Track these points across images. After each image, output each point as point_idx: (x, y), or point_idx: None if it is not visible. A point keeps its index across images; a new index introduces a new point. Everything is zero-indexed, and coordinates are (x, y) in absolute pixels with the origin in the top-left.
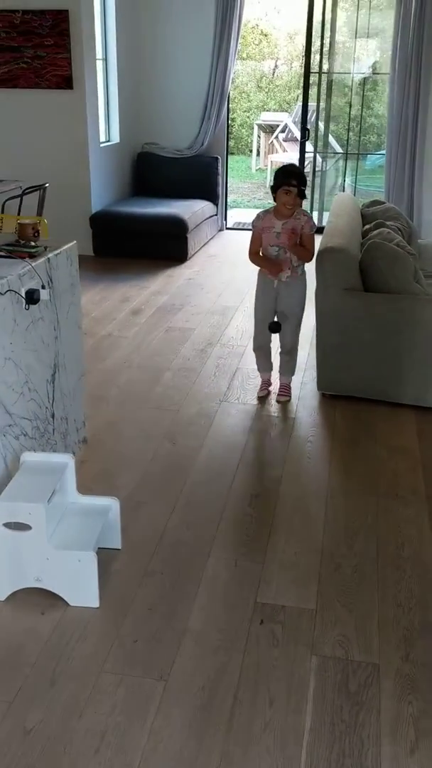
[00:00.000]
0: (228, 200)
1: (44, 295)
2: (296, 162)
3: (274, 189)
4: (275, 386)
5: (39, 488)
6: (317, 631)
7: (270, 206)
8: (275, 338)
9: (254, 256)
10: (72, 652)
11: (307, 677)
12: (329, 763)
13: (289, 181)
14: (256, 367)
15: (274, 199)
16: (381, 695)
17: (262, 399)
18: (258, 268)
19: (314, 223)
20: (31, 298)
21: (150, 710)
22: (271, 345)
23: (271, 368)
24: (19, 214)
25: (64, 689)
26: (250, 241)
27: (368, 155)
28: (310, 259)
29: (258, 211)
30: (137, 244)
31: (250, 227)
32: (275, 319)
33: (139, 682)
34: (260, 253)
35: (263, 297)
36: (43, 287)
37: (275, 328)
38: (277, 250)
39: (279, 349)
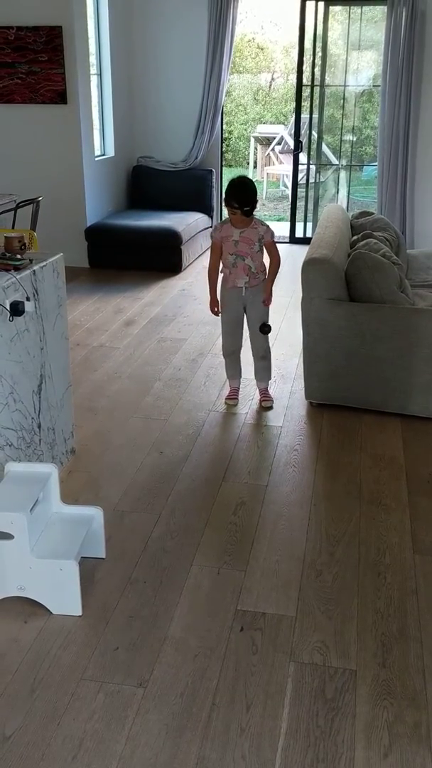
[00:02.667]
0: (223, 212)
1: (29, 307)
2: (290, 173)
3: (225, 200)
4: (256, 396)
5: (22, 498)
6: (296, 638)
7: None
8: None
9: (212, 271)
10: (53, 660)
11: (284, 683)
12: (303, 767)
13: (231, 203)
14: (231, 374)
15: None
16: (357, 701)
17: (231, 406)
18: (222, 279)
19: (273, 231)
20: (16, 309)
21: (128, 716)
22: (241, 351)
23: (240, 375)
24: (13, 227)
25: (43, 697)
26: (210, 253)
27: (364, 166)
28: (279, 265)
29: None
30: (132, 256)
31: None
32: (263, 323)
33: (118, 689)
34: (218, 268)
35: (230, 306)
36: (27, 299)
37: (266, 329)
38: (235, 258)
39: (253, 357)
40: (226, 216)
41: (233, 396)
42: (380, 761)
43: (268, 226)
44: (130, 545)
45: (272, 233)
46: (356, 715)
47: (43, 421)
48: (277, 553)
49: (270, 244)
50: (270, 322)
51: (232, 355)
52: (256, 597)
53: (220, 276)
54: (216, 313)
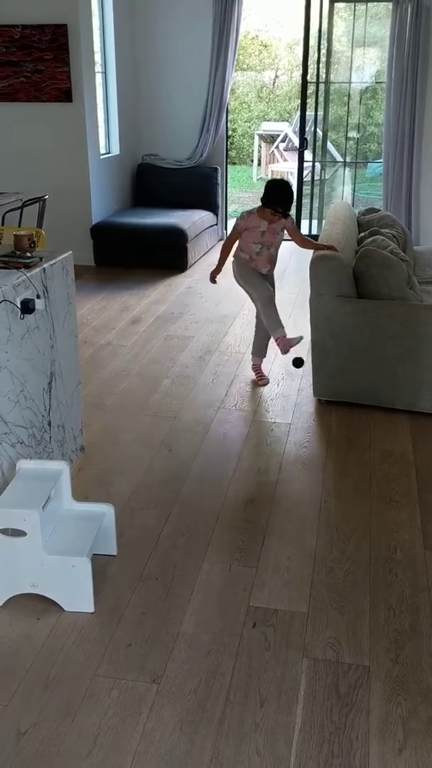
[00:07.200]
0: (229, 210)
1: (39, 304)
2: (296, 171)
3: (266, 203)
4: (264, 394)
5: (34, 495)
6: (309, 634)
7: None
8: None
9: (226, 248)
10: (66, 656)
11: (298, 679)
12: (318, 763)
13: (275, 208)
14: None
15: (263, 206)
16: (370, 696)
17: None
18: (243, 260)
19: (292, 218)
20: (26, 307)
21: (142, 712)
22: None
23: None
24: (19, 225)
25: (57, 693)
26: (231, 235)
27: (369, 163)
28: (309, 241)
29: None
30: (138, 254)
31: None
32: (299, 357)
33: (132, 685)
34: (232, 248)
35: (252, 272)
36: (38, 297)
37: (300, 363)
38: (260, 247)
39: (257, 334)
40: (253, 207)
41: (262, 375)
42: (395, 757)
43: (288, 215)
44: (142, 542)
45: (292, 219)
46: (370, 711)
47: (53, 418)
48: (289, 550)
49: (293, 229)
50: None
51: (271, 301)
52: (267, 593)
53: (240, 255)
54: (213, 279)
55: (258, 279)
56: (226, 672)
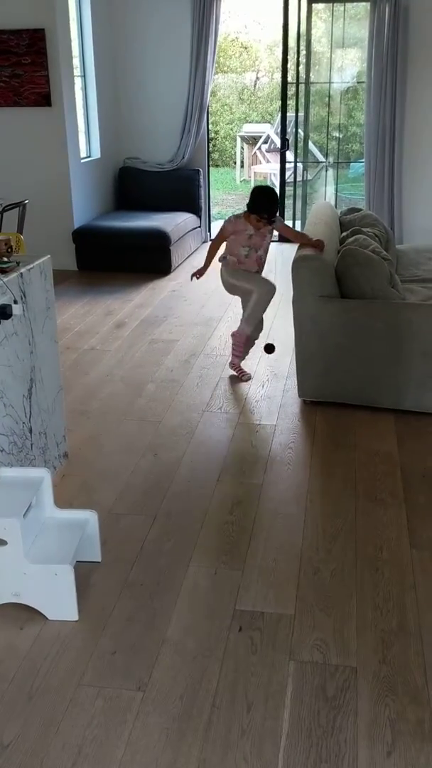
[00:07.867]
0: (213, 212)
1: (17, 310)
2: (277, 172)
3: (252, 210)
4: (250, 395)
5: (14, 503)
6: (295, 637)
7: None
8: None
9: (213, 249)
10: (50, 666)
11: (284, 683)
12: None
13: (262, 215)
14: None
15: (248, 212)
16: (358, 698)
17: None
18: (231, 263)
19: (281, 218)
20: (3, 313)
21: (127, 721)
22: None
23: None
24: None
25: (41, 703)
26: (217, 236)
27: (351, 164)
28: (302, 235)
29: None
30: (121, 257)
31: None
32: (271, 342)
33: (117, 694)
34: (219, 248)
35: (253, 272)
36: (15, 302)
37: (271, 349)
38: (248, 250)
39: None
40: (240, 212)
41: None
42: (384, 759)
43: (275, 220)
44: (126, 548)
45: (281, 219)
46: (358, 713)
47: (34, 425)
48: (274, 552)
49: (283, 227)
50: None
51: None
52: (254, 596)
53: (228, 259)
54: (196, 277)
55: (257, 274)
56: (212, 677)
